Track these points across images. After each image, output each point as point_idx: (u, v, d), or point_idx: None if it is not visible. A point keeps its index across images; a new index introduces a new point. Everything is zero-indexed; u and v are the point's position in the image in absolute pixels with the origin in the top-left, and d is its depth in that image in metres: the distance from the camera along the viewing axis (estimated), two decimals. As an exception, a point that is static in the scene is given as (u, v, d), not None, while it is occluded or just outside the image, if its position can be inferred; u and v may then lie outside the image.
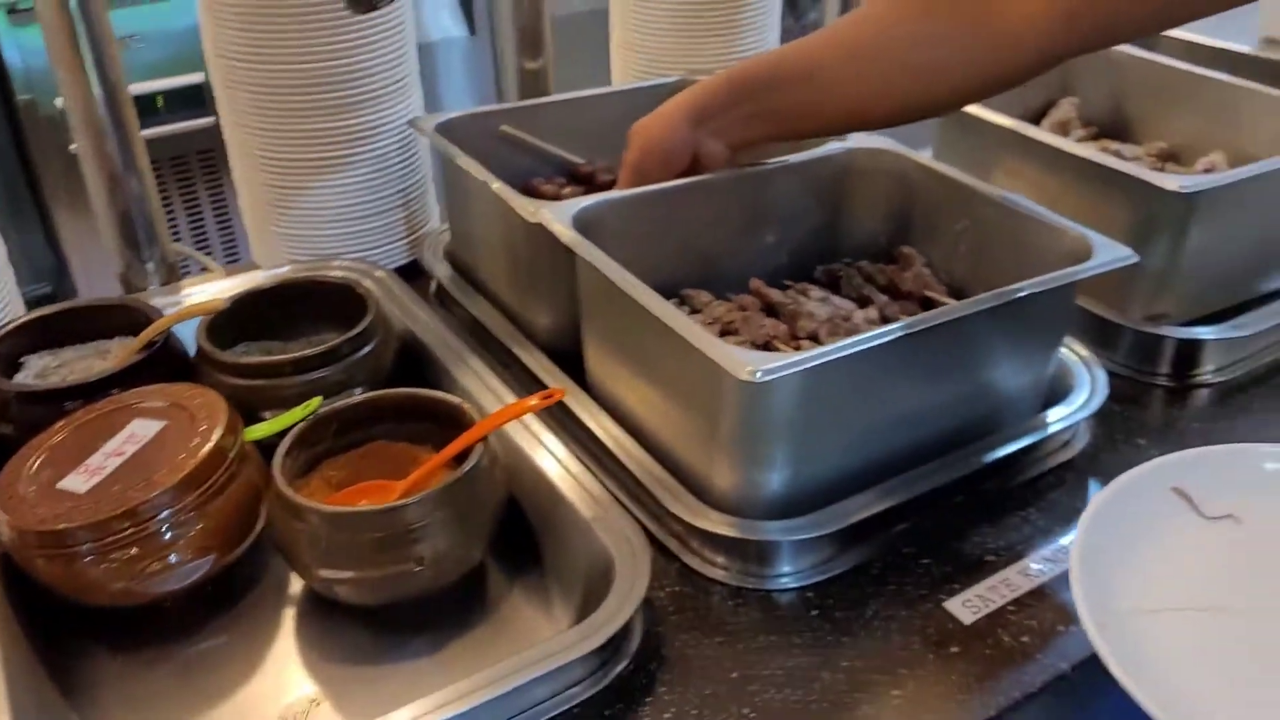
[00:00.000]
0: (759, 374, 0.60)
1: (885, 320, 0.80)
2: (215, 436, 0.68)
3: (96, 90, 0.87)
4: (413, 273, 1.00)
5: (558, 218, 0.77)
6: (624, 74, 1.16)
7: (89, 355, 0.85)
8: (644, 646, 0.63)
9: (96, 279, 1.98)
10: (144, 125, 1.98)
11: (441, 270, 0.98)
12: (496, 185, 0.83)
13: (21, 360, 0.82)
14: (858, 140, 0.89)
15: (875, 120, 0.76)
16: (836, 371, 0.63)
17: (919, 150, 0.89)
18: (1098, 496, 0.65)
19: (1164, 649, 0.59)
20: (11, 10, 1.79)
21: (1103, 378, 0.81)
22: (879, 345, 0.64)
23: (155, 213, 0.94)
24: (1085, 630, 0.56)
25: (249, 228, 1.03)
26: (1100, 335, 0.88)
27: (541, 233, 0.78)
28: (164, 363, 0.80)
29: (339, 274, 0.90)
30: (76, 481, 0.67)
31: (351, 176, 0.97)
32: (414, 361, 0.86)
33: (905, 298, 0.84)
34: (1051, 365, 0.79)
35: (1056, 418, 0.77)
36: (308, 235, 0.99)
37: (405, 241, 1.03)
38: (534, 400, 0.72)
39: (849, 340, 0.63)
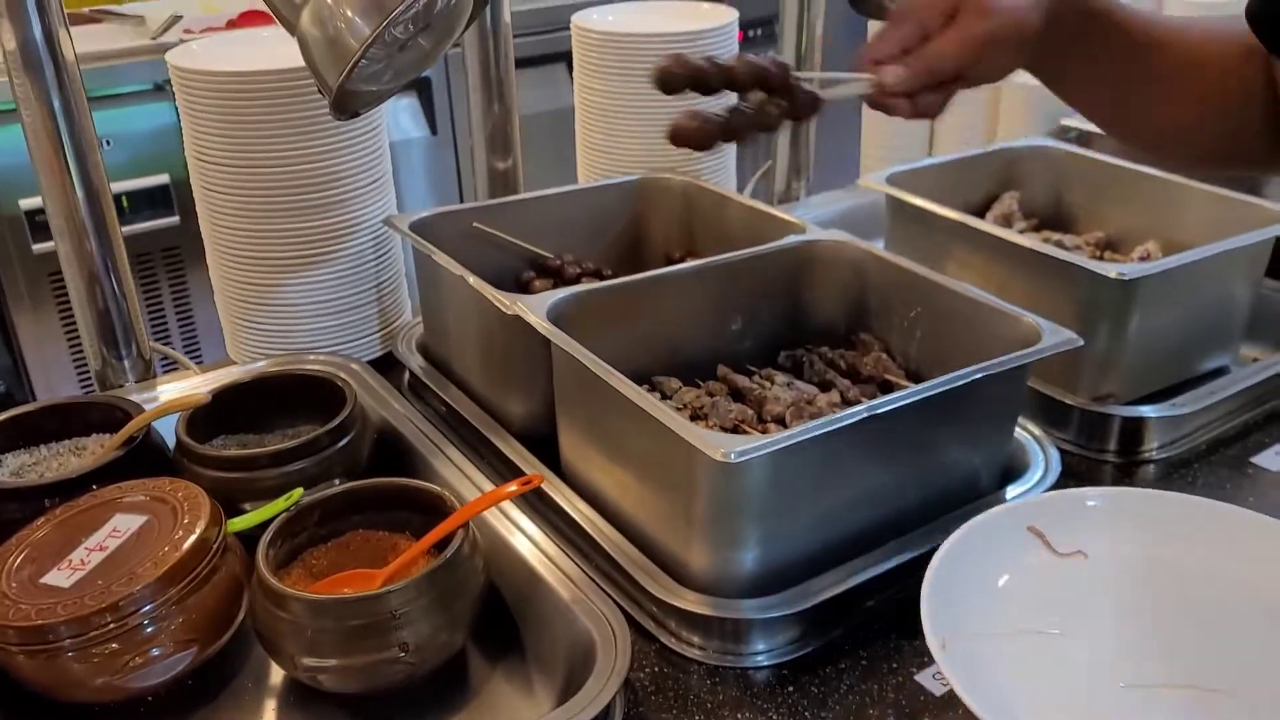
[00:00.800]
0: (732, 455, 0.62)
1: (847, 403, 0.83)
2: (199, 529, 0.69)
3: (79, 191, 0.89)
4: (386, 365, 1.03)
5: (533, 310, 0.80)
6: (589, 172, 1.21)
7: (65, 453, 0.85)
8: (626, 727, 0.64)
9: (55, 380, 1.97)
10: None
11: (415, 362, 1.01)
12: (473, 279, 0.86)
13: (3, 455, 0.83)
14: (815, 233, 0.94)
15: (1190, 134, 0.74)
16: (805, 452, 0.66)
17: (872, 241, 0.95)
18: (956, 533, 0.68)
19: (1004, 668, 0.62)
20: (-23, 114, 1.82)
21: (1055, 455, 0.84)
22: (844, 427, 0.67)
23: (133, 311, 0.95)
24: (930, 648, 0.59)
25: (225, 322, 1.04)
26: (1051, 415, 0.92)
27: (517, 324, 0.81)
28: (144, 458, 0.81)
29: (316, 367, 0.92)
30: (59, 577, 0.67)
31: (328, 273, 0.99)
32: (391, 452, 0.88)
33: (866, 381, 0.88)
34: (1008, 443, 0.82)
35: (1014, 494, 0.81)
36: (284, 330, 1.01)
37: (379, 335, 1.05)
38: (512, 487, 0.74)
39: (816, 422, 0.66)
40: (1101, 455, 0.91)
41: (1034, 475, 0.82)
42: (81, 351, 1.95)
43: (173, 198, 2.00)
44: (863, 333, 0.92)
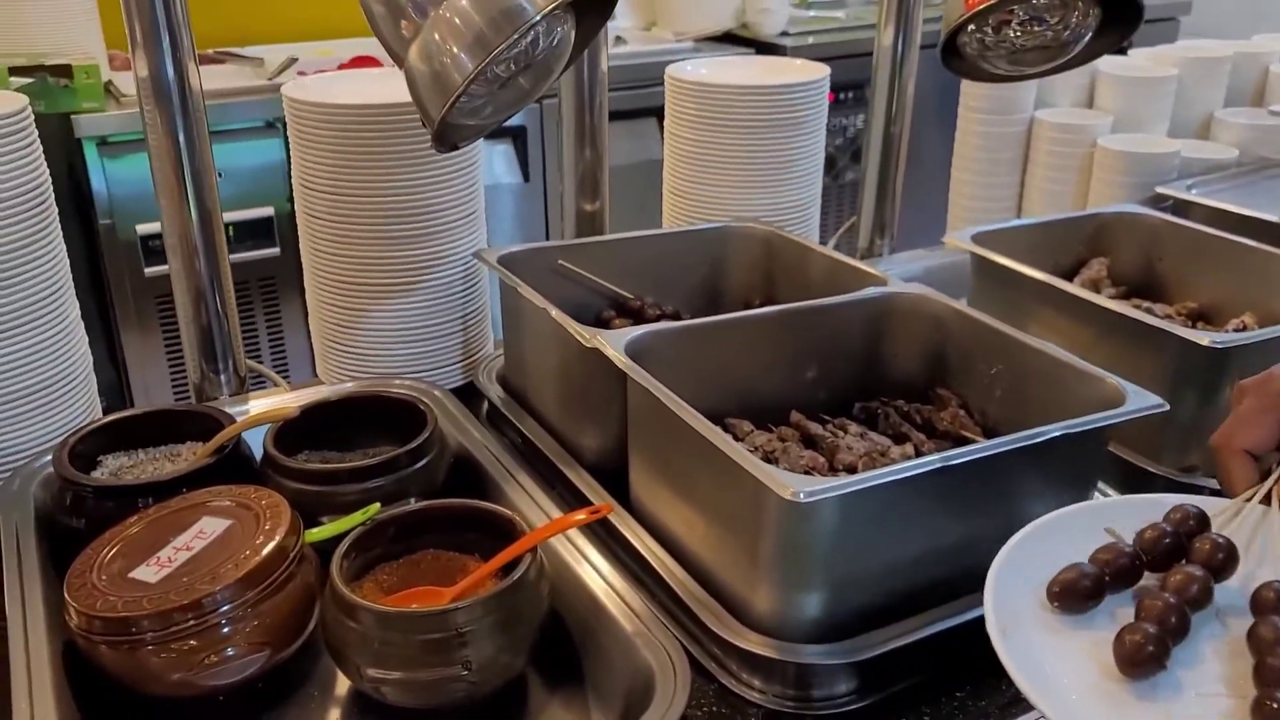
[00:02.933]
0: (801, 495, 0.63)
1: (920, 457, 0.83)
2: (278, 536, 0.72)
3: (193, 214, 0.94)
4: (467, 394, 1.05)
5: (612, 344, 0.81)
6: (674, 217, 1.24)
7: (160, 458, 0.89)
8: (680, 764, 0.64)
9: (154, 397, 2.06)
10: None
11: (494, 392, 1.03)
12: (555, 312, 0.88)
13: (99, 459, 0.87)
14: (896, 285, 0.94)
15: None
16: (875, 498, 0.66)
17: (955, 298, 0.94)
18: (1032, 524, 0.65)
19: (1064, 661, 0.58)
20: (103, 142, 1.93)
21: (1136, 522, 0.82)
22: (915, 476, 0.67)
23: (233, 329, 1.00)
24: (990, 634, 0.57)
25: (316, 343, 1.09)
26: (1134, 482, 0.90)
27: (595, 358, 0.82)
28: (233, 466, 0.84)
29: (400, 391, 0.95)
30: (147, 573, 0.70)
31: (418, 301, 1.03)
32: (466, 477, 0.90)
33: (941, 436, 0.87)
34: (1085, 507, 0.81)
35: (1091, 559, 0.78)
36: (373, 354, 1.04)
37: (462, 364, 1.08)
38: (581, 515, 0.75)
39: (887, 469, 0.66)
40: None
41: (1113, 542, 0.80)
42: (179, 372, 2.05)
43: (275, 230, 2.09)
44: (940, 388, 0.91)
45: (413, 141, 0.97)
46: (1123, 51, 1.59)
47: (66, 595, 0.68)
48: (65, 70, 1.86)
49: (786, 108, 1.15)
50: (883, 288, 0.94)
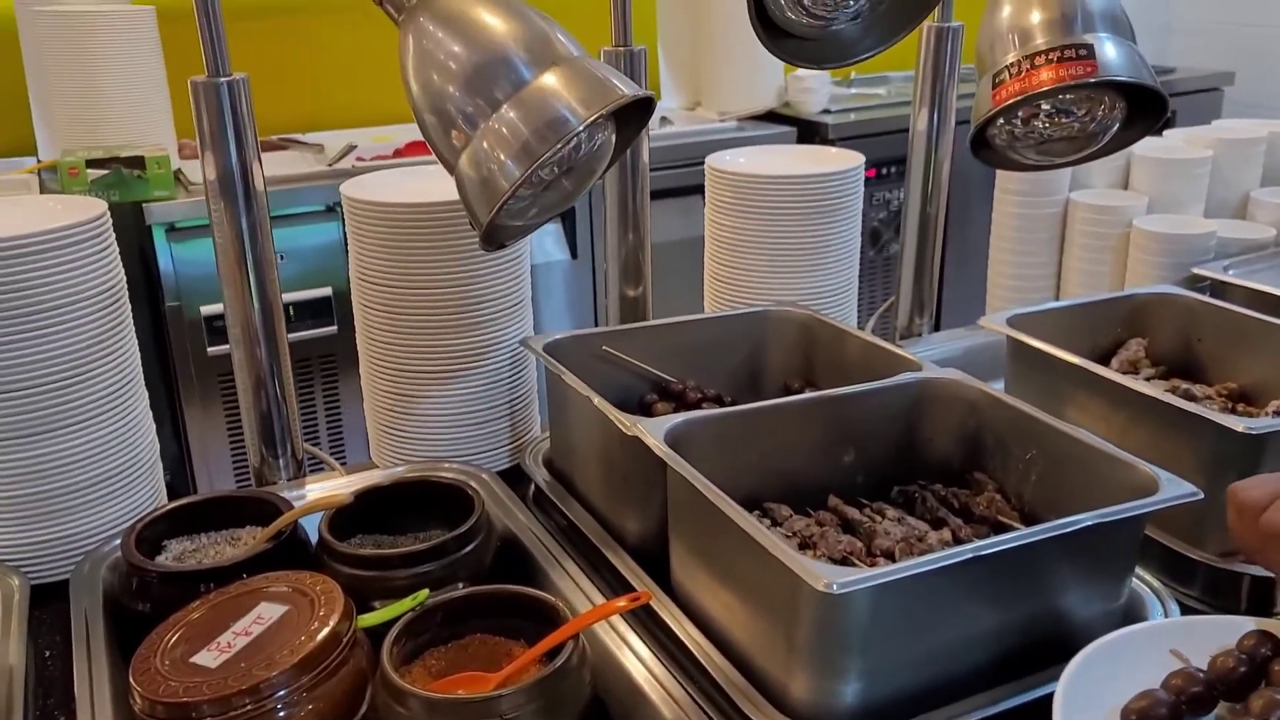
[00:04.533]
0: (835, 586, 0.64)
1: (959, 542, 0.84)
2: (332, 622, 0.75)
3: (255, 304, 1.00)
4: (514, 476, 1.08)
5: (652, 431, 0.84)
6: (715, 301, 1.27)
7: (221, 542, 0.93)
8: None
9: (215, 471, 2.12)
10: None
11: (540, 475, 1.06)
12: (598, 400, 0.91)
13: (164, 544, 0.91)
14: (930, 370, 0.96)
15: None
16: (910, 588, 0.67)
17: (992, 382, 0.96)
18: (1092, 645, 0.65)
19: None
20: (171, 228, 2.03)
21: (1175, 610, 0.82)
22: (951, 565, 0.68)
23: (292, 416, 1.04)
24: None
25: (371, 428, 1.13)
26: (1175, 569, 0.90)
27: (636, 444, 0.85)
28: (289, 551, 0.88)
29: (449, 475, 0.98)
30: (208, 658, 0.74)
31: (467, 387, 1.07)
32: (513, 560, 0.92)
33: (979, 521, 0.88)
34: (1124, 595, 0.81)
35: (1131, 646, 0.79)
36: (424, 438, 1.08)
37: (509, 448, 1.11)
38: (621, 602, 0.77)
39: (922, 559, 0.67)
40: (1231, 613, 0.88)
41: (1153, 629, 0.80)
42: (240, 446, 2.12)
43: (333, 309, 2.17)
44: (977, 472, 0.93)
45: (463, 237, 1.02)
46: (1158, 132, 1.61)
47: (131, 680, 0.72)
48: (138, 162, 1.96)
49: (822, 196, 1.18)
50: (917, 373, 0.96)
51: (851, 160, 1.22)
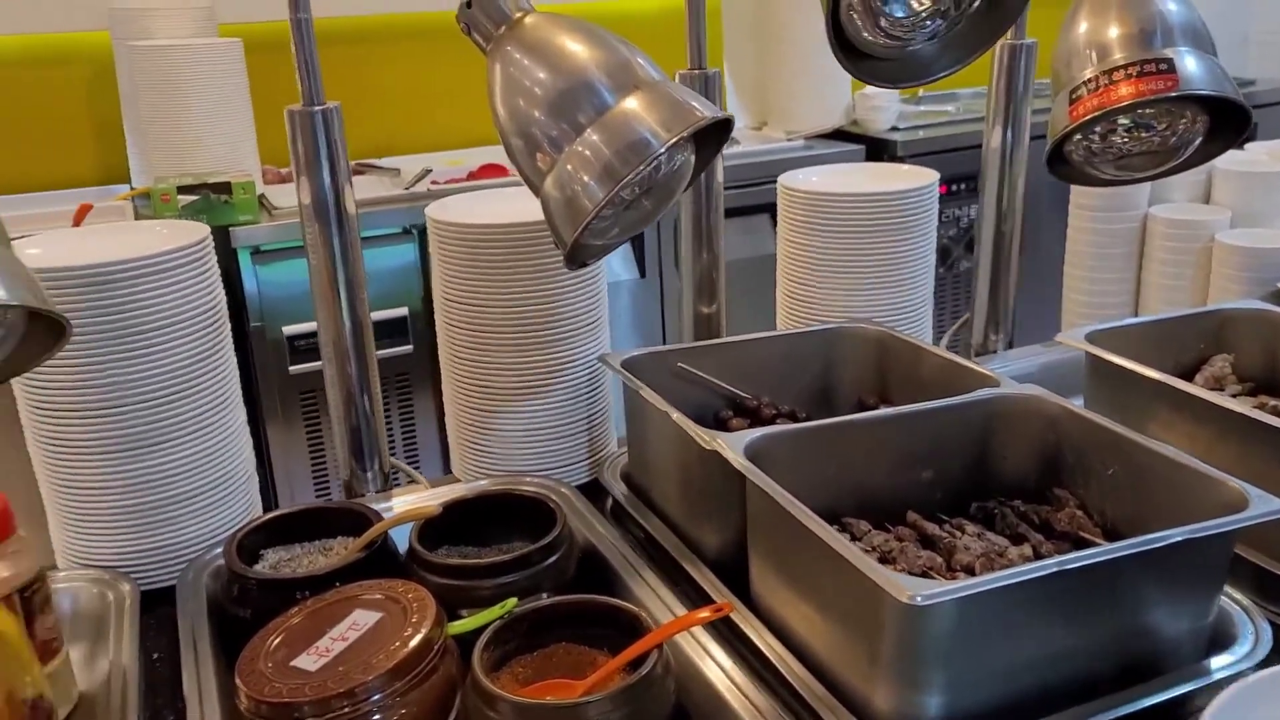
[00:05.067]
0: (919, 598, 0.65)
1: (1040, 558, 0.84)
2: (425, 629, 0.78)
3: (347, 322, 1.04)
4: (592, 490, 1.11)
5: (731, 447, 0.86)
6: (787, 318, 1.28)
7: (314, 551, 0.97)
8: None
9: (296, 489, 2.18)
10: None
11: (618, 489, 1.08)
12: (676, 415, 0.93)
13: (261, 553, 0.95)
14: (1009, 386, 0.96)
15: None
16: (993, 601, 0.68)
17: (1071, 398, 0.95)
18: (1227, 691, 0.64)
19: None
20: (256, 251, 2.10)
21: (1267, 629, 0.81)
22: (1035, 579, 0.68)
23: (379, 429, 1.08)
24: None
25: (453, 443, 1.16)
26: (1267, 587, 0.88)
27: (714, 458, 0.87)
28: (380, 560, 0.91)
29: (531, 489, 1.01)
30: (308, 661, 0.77)
31: (547, 404, 1.09)
32: (594, 571, 0.94)
33: (1060, 537, 0.88)
34: (1212, 613, 0.80)
35: (1220, 665, 0.78)
36: (504, 452, 1.11)
37: (587, 462, 1.14)
38: (704, 613, 0.78)
39: (1005, 572, 0.68)
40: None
41: (1242, 648, 0.79)
42: (319, 461, 2.18)
43: (409, 328, 2.22)
44: (1057, 488, 0.92)
45: (543, 256, 1.05)
46: (1240, 146, 1.58)
47: (238, 681, 0.75)
48: (225, 187, 2.04)
49: (897, 213, 1.19)
50: (995, 389, 0.96)
51: (926, 177, 1.22)
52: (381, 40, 2.64)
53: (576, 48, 0.83)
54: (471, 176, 2.34)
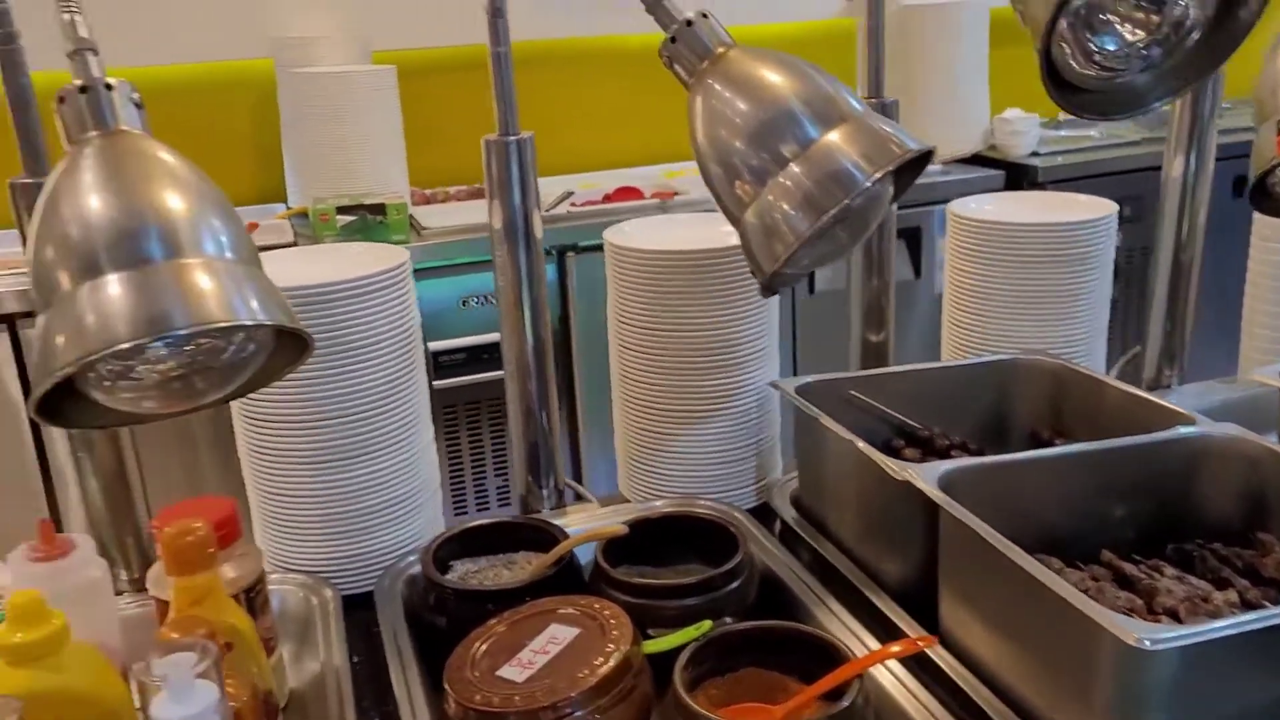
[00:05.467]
0: (1147, 642, 0.64)
1: (1247, 605, 0.81)
2: (624, 647, 0.79)
3: (530, 340, 1.07)
4: (758, 514, 1.11)
5: (924, 478, 0.85)
6: (954, 348, 1.27)
7: (499, 564, 1.00)
8: None
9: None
10: (486, 369, 2.25)
11: (789, 514, 1.09)
12: (862, 445, 0.93)
13: (450, 564, 0.99)
14: (1207, 425, 0.93)
15: None
16: (1226, 648, 0.66)
17: (1262, 434, 0.92)
18: None
19: None
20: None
21: None
22: (1266, 627, 0.66)
23: (555, 446, 1.11)
24: None
25: (621, 462, 1.18)
26: None
27: (899, 488, 0.86)
28: (566, 576, 0.94)
29: (710, 512, 1.02)
30: (513, 671, 0.79)
31: (719, 427, 1.11)
32: (771, 596, 0.95)
33: (1267, 583, 0.85)
34: None
35: None
36: (675, 474, 1.13)
37: (754, 486, 1.15)
38: (903, 645, 0.78)
39: (1245, 617, 0.66)
40: None
41: None
42: (457, 476, 2.23)
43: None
44: (1261, 532, 0.89)
45: (721, 283, 1.07)
46: None
47: (447, 687, 0.78)
48: (380, 208, 2.12)
49: (1075, 244, 1.17)
50: (1193, 428, 0.93)
51: (1104, 208, 1.20)
52: (529, 67, 2.71)
53: (780, 81, 0.85)
54: (607, 199, 2.38)
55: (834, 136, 0.83)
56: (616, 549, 0.98)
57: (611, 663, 0.78)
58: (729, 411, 1.11)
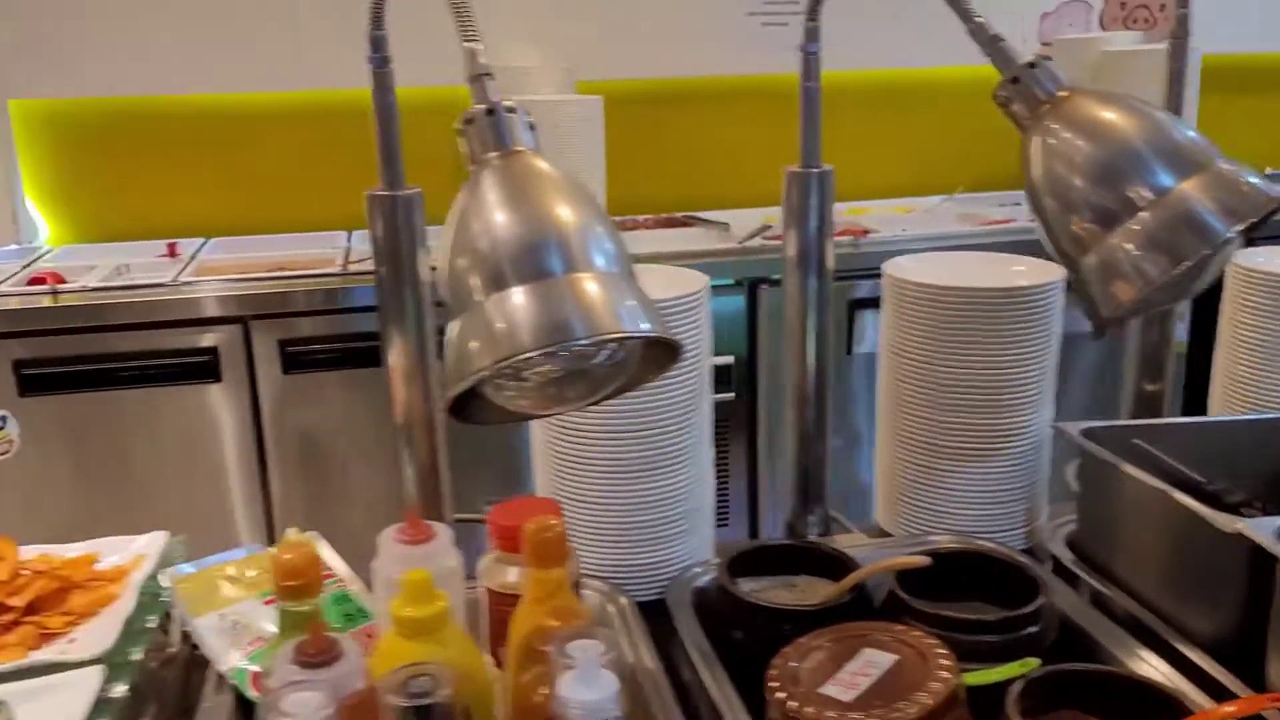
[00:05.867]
0: None
1: None
2: (953, 677, 0.80)
3: (810, 367, 1.09)
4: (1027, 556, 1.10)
5: (1258, 531, 0.83)
6: (1226, 403, 1.24)
7: (779, 585, 1.01)
8: None
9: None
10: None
11: (1066, 556, 1.07)
12: (1179, 495, 0.92)
13: (736, 579, 1.00)
14: None
15: None
16: None
17: None
18: None
19: None
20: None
21: None
22: None
23: (826, 475, 1.12)
24: None
25: (882, 492, 1.19)
26: None
27: (1213, 540, 0.85)
28: (860, 602, 0.94)
29: (998, 551, 1.01)
30: (837, 690, 0.80)
31: (994, 467, 1.10)
32: (1068, 639, 0.93)
33: None
34: None
35: None
36: (942, 509, 1.13)
37: (1024, 529, 1.13)
38: (1247, 703, 0.76)
39: None
40: None
41: None
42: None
43: (732, 377, 2.29)
44: None
45: (1011, 323, 1.07)
46: None
47: (779, 695, 0.79)
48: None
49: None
50: None
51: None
52: (699, 101, 2.78)
53: (1132, 125, 0.85)
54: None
55: (1191, 184, 0.82)
56: (908, 581, 0.98)
57: (942, 695, 0.78)
58: (1008, 451, 1.10)
